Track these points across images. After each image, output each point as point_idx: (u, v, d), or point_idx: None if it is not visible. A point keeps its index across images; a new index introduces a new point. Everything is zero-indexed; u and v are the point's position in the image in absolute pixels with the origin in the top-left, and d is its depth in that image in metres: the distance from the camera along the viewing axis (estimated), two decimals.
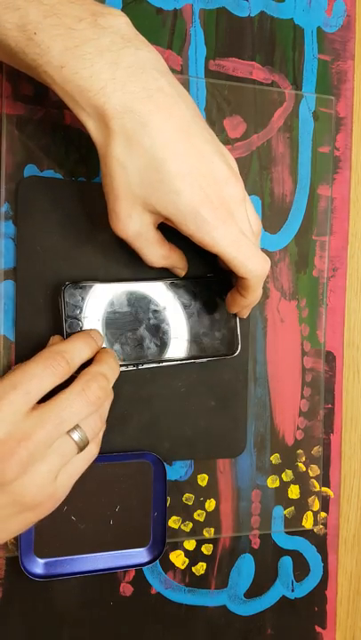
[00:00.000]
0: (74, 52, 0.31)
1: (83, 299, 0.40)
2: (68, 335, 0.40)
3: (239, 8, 0.46)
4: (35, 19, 0.30)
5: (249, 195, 0.46)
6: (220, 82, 0.45)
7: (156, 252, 0.38)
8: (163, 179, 0.33)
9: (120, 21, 0.32)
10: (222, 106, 0.45)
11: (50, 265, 0.41)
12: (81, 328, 0.40)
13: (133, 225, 0.35)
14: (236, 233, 0.35)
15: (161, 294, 0.42)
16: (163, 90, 0.33)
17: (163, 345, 0.42)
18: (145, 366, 0.42)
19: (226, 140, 0.45)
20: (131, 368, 0.42)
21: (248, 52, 0.46)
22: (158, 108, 0.32)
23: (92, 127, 0.33)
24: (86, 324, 0.40)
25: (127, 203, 0.34)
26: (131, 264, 0.42)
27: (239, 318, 0.44)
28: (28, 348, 0.41)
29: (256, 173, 0.46)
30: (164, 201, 0.33)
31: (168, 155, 0.32)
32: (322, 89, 0.48)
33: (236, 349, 0.44)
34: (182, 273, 0.42)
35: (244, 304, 0.40)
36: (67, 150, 0.42)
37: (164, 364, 0.42)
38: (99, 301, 0.41)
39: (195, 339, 0.43)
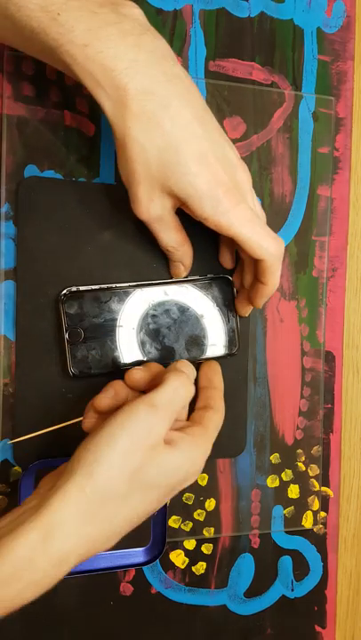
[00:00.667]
0: (97, 32, 0.32)
1: (82, 304, 0.40)
2: (69, 342, 0.40)
3: (239, 9, 0.46)
4: (58, 0, 0.31)
5: None
6: (219, 82, 0.45)
7: (174, 236, 0.39)
8: (180, 160, 0.34)
9: (137, 12, 0.34)
10: (222, 106, 0.45)
11: (50, 265, 0.41)
12: (81, 335, 0.40)
13: (155, 208, 0.36)
14: (250, 214, 0.36)
15: (159, 297, 0.42)
16: (179, 76, 0.34)
17: (163, 348, 0.42)
18: None
19: None
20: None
21: (248, 53, 0.46)
22: (177, 93, 0.33)
23: (109, 109, 0.33)
24: (87, 330, 0.40)
25: (147, 186, 0.35)
26: (130, 264, 0.42)
27: (239, 318, 0.44)
28: (28, 347, 0.41)
29: (256, 174, 0.46)
30: (182, 182, 0.34)
31: (187, 137, 0.34)
32: (321, 89, 0.48)
33: (237, 349, 0.44)
34: (184, 272, 0.42)
35: (267, 292, 0.40)
36: (67, 151, 0.42)
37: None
38: (99, 305, 0.41)
39: (194, 340, 0.43)
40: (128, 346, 0.41)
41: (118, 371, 0.41)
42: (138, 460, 0.31)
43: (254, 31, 0.46)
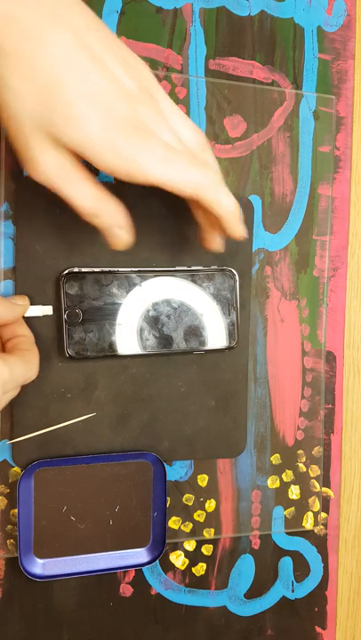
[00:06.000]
0: None
1: (82, 285, 0.40)
2: (67, 322, 0.40)
3: (239, 7, 0.46)
4: None
5: (249, 195, 0.46)
6: (220, 81, 0.45)
7: (87, 190, 0.32)
8: (62, 102, 0.28)
9: None
10: (222, 105, 0.45)
11: (49, 265, 0.41)
12: (80, 316, 0.40)
13: (51, 160, 0.30)
14: (161, 150, 0.30)
15: (161, 285, 0.42)
16: None
17: (161, 336, 0.42)
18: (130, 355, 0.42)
19: (226, 140, 0.45)
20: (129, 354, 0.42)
21: (248, 52, 0.46)
22: (51, 16, 0.27)
23: None
24: (86, 312, 0.40)
25: (36, 136, 0.29)
26: (130, 263, 0.42)
27: (239, 312, 0.44)
28: None
29: (256, 173, 0.46)
30: (69, 128, 0.28)
31: (64, 73, 0.28)
32: (322, 88, 0.48)
33: (236, 343, 0.43)
34: (128, 237, 0.34)
35: (224, 221, 0.34)
36: None
37: (153, 355, 0.42)
38: (99, 288, 0.41)
39: (193, 330, 0.43)
40: (126, 331, 0.41)
41: (115, 356, 0.41)
42: None
43: (255, 30, 0.46)
